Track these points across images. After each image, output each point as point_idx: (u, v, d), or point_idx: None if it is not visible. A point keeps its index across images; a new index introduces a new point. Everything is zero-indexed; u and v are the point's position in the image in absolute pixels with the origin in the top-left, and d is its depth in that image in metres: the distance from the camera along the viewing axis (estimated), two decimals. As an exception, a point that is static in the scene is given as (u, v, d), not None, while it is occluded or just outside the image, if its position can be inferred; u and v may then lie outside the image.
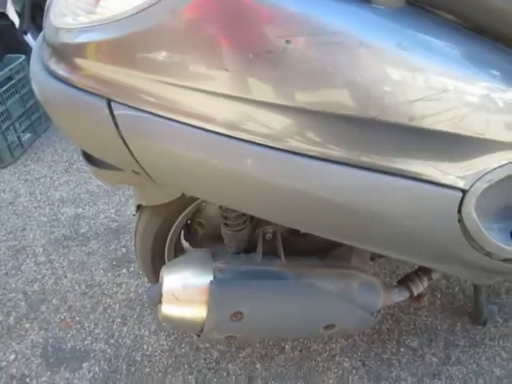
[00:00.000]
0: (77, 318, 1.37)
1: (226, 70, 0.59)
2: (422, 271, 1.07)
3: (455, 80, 0.62)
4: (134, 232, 1.05)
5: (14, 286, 1.51)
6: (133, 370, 1.22)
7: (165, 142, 0.65)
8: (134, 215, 1.05)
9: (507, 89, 0.64)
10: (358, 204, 0.69)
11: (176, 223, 1.00)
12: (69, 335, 1.33)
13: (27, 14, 2.30)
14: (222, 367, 1.21)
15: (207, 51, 0.61)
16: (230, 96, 0.61)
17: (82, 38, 0.66)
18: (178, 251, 1.12)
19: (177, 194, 0.86)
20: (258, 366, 1.21)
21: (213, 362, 1.23)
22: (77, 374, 1.22)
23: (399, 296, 1.05)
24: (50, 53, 0.72)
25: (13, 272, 1.56)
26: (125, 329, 1.33)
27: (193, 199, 0.93)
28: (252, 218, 0.98)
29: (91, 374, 1.22)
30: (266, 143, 0.64)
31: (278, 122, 0.63)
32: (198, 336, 0.93)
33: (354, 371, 1.19)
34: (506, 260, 0.81)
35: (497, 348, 1.23)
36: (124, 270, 1.53)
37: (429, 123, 0.63)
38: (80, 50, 0.67)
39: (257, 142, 0.64)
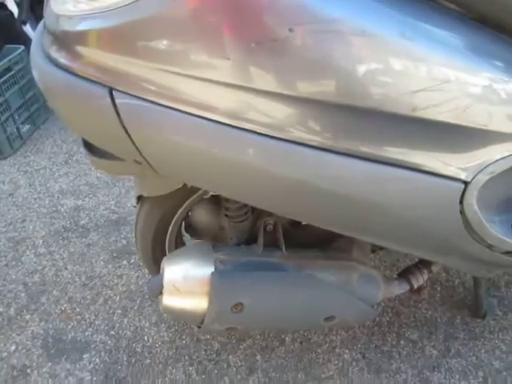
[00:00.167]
0: (77, 310, 1.38)
1: (228, 58, 0.59)
2: (422, 264, 1.07)
3: (458, 71, 0.62)
4: (134, 223, 1.05)
5: (14, 277, 1.51)
6: (133, 361, 1.23)
7: (167, 131, 0.65)
8: (135, 207, 1.05)
9: (510, 80, 0.64)
10: (359, 195, 0.69)
11: (177, 215, 1.00)
12: (69, 326, 1.33)
13: (26, 4, 2.27)
14: (223, 359, 1.22)
15: (209, 40, 0.60)
16: (232, 85, 0.61)
17: (82, 26, 0.65)
18: (179, 243, 1.11)
19: (178, 184, 0.86)
20: (259, 357, 1.22)
21: (213, 353, 1.23)
22: (78, 365, 1.22)
23: (399, 288, 1.05)
24: (50, 41, 0.71)
25: (13, 263, 1.56)
26: (125, 320, 1.34)
27: (194, 190, 0.93)
28: (253, 209, 0.98)
29: (92, 365, 1.22)
30: (267, 133, 0.64)
31: (279, 112, 0.63)
32: (199, 327, 0.94)
33: (354, 363, 1.19)
34: (506, 253, 0.81)
35: (496, 341, 1.23)
36: (124, 262, 1.53)
37: (431, 114, 0.63)
38: (81, 37, 0.66)
39: (258, 131, 0.63)
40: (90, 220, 1.74)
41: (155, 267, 1.10)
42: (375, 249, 1.12)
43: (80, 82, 0.65)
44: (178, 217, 1.01)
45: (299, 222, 1.06)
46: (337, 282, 0.93)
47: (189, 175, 0.74)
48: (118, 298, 1.40)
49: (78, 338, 1.29)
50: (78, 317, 1.36)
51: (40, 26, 0.81)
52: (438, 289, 1.39)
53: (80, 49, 0.66)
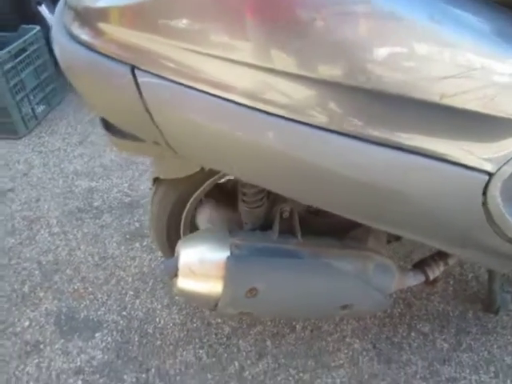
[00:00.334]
0: (90, 289, 1.39)
1: (252, 38, 0.57)
2: (439, 256, 1.06)
3: (487, 58, 0.60)
4: (149, 206, 1.05)
5: (28, 255, 1.52)
6: (144, 341, 1.24)
7: (188, 112, 0.64)
8: (151, 189, 1.05)
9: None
10: (380, 183, 0.68)
11: (192, 198, 1.00)
12: (82, 305, 1.34)
13: (42, -16, 2.27)
14: (233, 343, 1.22)
15: (233, 19, 0.59)
16: (256, 66, 0.59)
17: (105, 2, 0.64)
18: (193, 227, 1.11)
19: (196, 167, 0.85)
20: (269, 343, 1.22)
21: (224, 337, 1.24)
22: (90, 343, 1.24)
23: (414, 279, 1.04)
24: (72, 17, 0.70)
25: (27, 242, 1.58)
26: (137, 301, 1.35)
27: (211, 174, 0.92)
28: (269, 195, 0.97)
29: (104, 344, 1.24)
30: (289, 116, 0.62)
31: (302, 95, 0.62)
32: (212, 311, 0.94)
33: (364, 353, 1.19)
34: (526, 248, 0.80)
35: (509, 336, 1.22)
36: (137, 244, 1.54)
37: (458, 102, 0.61)
38: (103, 14, 0.65)
39: (280, 114, 0.62)
40: (104, 202, 1.74)
41: (169, 250, 1.10)
42: (390, 240, 1.11)
43: (102, 60, 0.64)
44: (193, 200, 1.00)
45: (315, 210, 1.05)
46: (352, 271, 0.92)
47: (208, 157, 0.74)
48: (130, 280, 1.41)
49: (91, 317, 1.31)
50: (91, 296, 1.37)
51: (61, 1, 0.80)
52: (451, 282, 1.37)
53: (102, 25, 0.65)
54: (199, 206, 1.04)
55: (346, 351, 1.20)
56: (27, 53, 2.16)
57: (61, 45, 0.72)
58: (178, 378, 1.15)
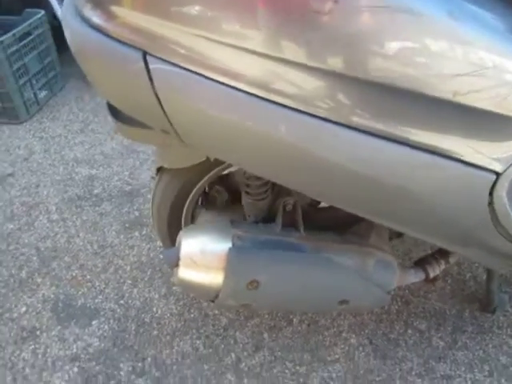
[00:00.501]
0: (88, 277, 1.39)
1: (264, 28, 0.57)
2: (440, 254, 1.06)
3: (502, 57, 0.60)
4: (151, 195, 1.05)
5: (26, 241, 1.52)
6: (141, 330, 1.24)
7: (198, 100, 0.64)
8: (153, 178, 1.04)
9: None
10: (387, 178, 0.68)
11: (195, 189, 0.99)
12: (79, 293, 1.34)
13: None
14: (230, 334, 1.22)
15: (246, 8, 0.58)
16: (267, 55, 0.59)
17: (118, -16, 0.63)
18: (195, 218, 1.11)
19: (201, 157, 0.84)
20: (266, 336, 1.22)
21: (221, 328, 1.24)
22: (86, 331, 1.24)
23: (415, 277, 1.04)
24: (84, -1, 0.69)
25: (26, 227, 1.57)
26: (135, 290, 1.34)
27: (215, 165, 0.92)
28: (273, 188, 0.97)
29: (100, 332, 1.24)
30: (299, 108, 0.62)
31: (312, 86, 0.61)
32: (212, 302, 0.94)
33: (360, 348, 1.20)
34: (529, 249, 0.80)
35: (504, 336, 1.22)
36: (136, 233, 1.54)
37: (471, 100, 0.61)
38: None
39: (290, 106, 0.62)
40: (104, 190, 1.74)
41: (169, 240, 1.10)
42: (392, 236, 1.11)
43: (113, 44, 0.63)
44: (196, 191, 1.00)
45: (318, 204, 1.05)
46: (353, 266, 0.92)
47: (215, 147, 0.73)
48: (128, 268, 1.41)
49: (88, 305, 1.31)
50: (89, 284, 1.37)
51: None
52: (449, 281, 1.38)
53: (115, 9, 0.64)
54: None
55: (342, 346, 1.20)
56: (31, 37, 2.14)
57: (72, 27, 0.71)
58: (174, 367, 1.15)
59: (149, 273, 1.40)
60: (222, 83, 0.61)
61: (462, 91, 0.60)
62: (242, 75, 0.61)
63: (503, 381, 1.12)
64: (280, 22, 0.57)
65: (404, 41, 0.57)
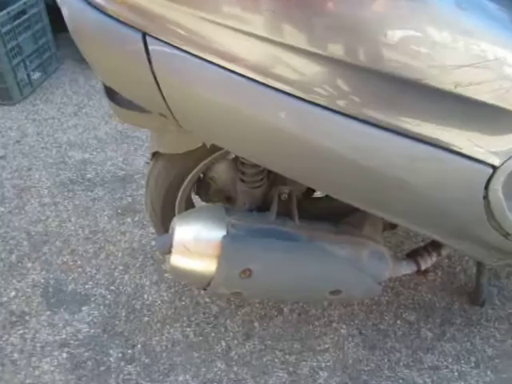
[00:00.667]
0: (79, 262, 1.38)
1: (270, 11, 0.56)
2: (432, 247, 1.06)
3: (505, 49, 0.60)
4: (145, 180, 1.03)
5: (17, 224, 1.50)
6: (132, 317, 1.23)
7: (198, 84, 0.63)
8: (148, 163, 1.03)
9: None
10: (385, 169, 0.68)
11: (190, 175, 0.98)
12: (70, 278, 1.33)
13: None
14: (221, 323, 1.22)
15: None
16: (271, 40, 0.58)
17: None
18: (189, 204, 1.10)
19: (197, 143, 0.84)
20: (256, 324, 1.23)
21: (211, 316, 1.24)
22: (76, 316, 1.23)
23: (407, 268, 1.05)
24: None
25: (16, 211, 1.55)
26: (126, 277, 1.34)
27: (211, 152, 0.91)
28: (269, 176, 0.97)
29: (90, 318, 1.23)
30: (299, 95, 0.62)
31: (314, 73, 0.61)
32: (204, 289, 0.93)
33: (350, 338, 1.20)
34: (521, 244, 0.80)
35: (492, 329, 1.24)
36: (129, 219, 1.53)
37: (473, 92, 0.61)
38: None
39: (290, 92, 0.61)
40: (97, 174, 1.72)
41: (162, 227, 1.09)
42: (385, 228, 1.11)
43: (112, 24, 0.62)
44: (191, 177, 0.99)
45: (313, 194, 1.05)
46: (346, 257, 0.92)
47: (213, 132, 0.72)
48: (120, 255, 1.40)
49: (78, 290, 1.30)
50: (79, 269, 1.36)
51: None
52: (439, 274, 1.39)
53: (114, -13, 0.62)
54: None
55: (332, 336, 1.21)
56: (26, 16, 2.10)
57: (69, 4, 0.69)
58: (164, 354, 1.15)
59: (140, 259, 1.39)
60: (222, 67, 0.60)
61: (464, 83, 0.60)
62: (242, 59, 0.60)
63: (489, 372, 1.14)
64: (282, 6, 0.56)
65: (407, 29, 0.57)
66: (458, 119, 0.65)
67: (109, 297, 1.28)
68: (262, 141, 0.68)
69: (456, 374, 1.13)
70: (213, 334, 1.20)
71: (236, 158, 0.94)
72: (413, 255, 1.07)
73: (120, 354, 1.15)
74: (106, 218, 1.53)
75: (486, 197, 0.72)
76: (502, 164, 0.68)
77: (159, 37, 0.61)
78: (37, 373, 1.10)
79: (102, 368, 1.12)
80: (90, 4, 0.64)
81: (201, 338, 1.19)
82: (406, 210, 0.77)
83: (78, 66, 2.43)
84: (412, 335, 1.22)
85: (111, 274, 1.34)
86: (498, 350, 1.19)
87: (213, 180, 1.04)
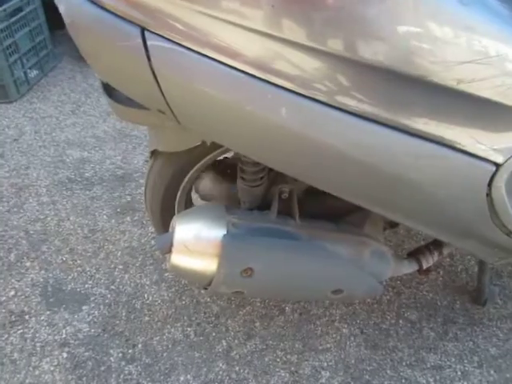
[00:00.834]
0: (78, 261, 1.37)
1: (272, 6, 0.55)
2: (434, 246, 1.06)
3: (507, 45, 0.58)
4: (145, 179, 1.02)
5: (15, 223, 1.49)
6: (132, 317, 1.22)
7: (197, 80, 0.61)
8: (147, 161, 1.02)
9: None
10: (387, 166, 0.67)
11: (190, 174, 0.97)
12: (69, 277, 1.32)
13: None
14: (222, 322, 1.22)
15: None
16: (271, 35, 0.57)
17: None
18: (188, 203, 1.09)
19: (196, 141, 0.82)
20: (258, 324, 1.22)
21: (212, 316, 1.23)
22: (76, 316, 1.22)
23: (408, 268, 1.04)
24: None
25: (15, 210, 1.54)
26: (126, 276, 1.33)
27: (210, 150, 0.90)
28: (269, 174, 0.96)
29: (90, 318, 1.22)
30: (300, 91, 0.60)
31: (315, 69, 0.59)
32: (205, 289, 0.92)
33: (352, 338, 1.20)
34: (524, 242, 0.80)
35: (494, 328, 1.23)
36: (128, 218, 1.52)
37: (475, 88, 0.60)
38: None
39: (291, 88, 0.60)
40: (95, 173, 1.71)
41: (163, 226, 1.08)
42: (386, 227, 1.10)
43: (110, 19, 0.61)
44: (190, 176, 0.98)
45: (314, 193, 1.04)
46: (348, 256, 0.91)
47: (212, 129, 0.71)
48: (119, 254, 1.39)
49: (78, 290, 1.29)
50: (79, 268, 1.35)
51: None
52: (441, 273, 1.38)
53: (112, -19, 0.61)
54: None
55: (333, 335, 1.20)
56: (23, 13, 2.09)
57: None
58: (164, 354, 1.14)
59: (140, 259, 1.38)
60: (222, 62, 0.59)
61: (466, 79, 0.59)
62: (242, 54, 0.59)
63: (492, 372, 1.13)
64: (282, 0, 0.55)
65: (409, 25, 0.55)
66: (461, 116, 0.64)
67: (109, 296, 1.27)
68: (261, 137, 0.67)
69: (459, 373, 1.13)
70: (214, 334, 1.19)
71: (236, 156, 0.93)
72: (414, 254, 1.06)
73: (120, 354, 1.14)
74: (105, 216, 1.52)
75: (489, 194, 0.71)
76: (506, 161, 0.67)
77: (158, 32, 0.59)
78: (37, 372, 1.09)
79: (102, 368, 1.11)
80: (87, -2, 0.63)
81: (202, 338, 1.18)
82: (408, 208, 0.76)
83: (76, 63, 2.42)
84: (414, 334, 1.21)
85: (111, 274, 1.33)
86: (501, 350, 1.18)
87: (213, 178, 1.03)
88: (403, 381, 1.11)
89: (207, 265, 0.85)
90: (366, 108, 0.62)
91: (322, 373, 1.12)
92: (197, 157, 0.93)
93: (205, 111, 0.66)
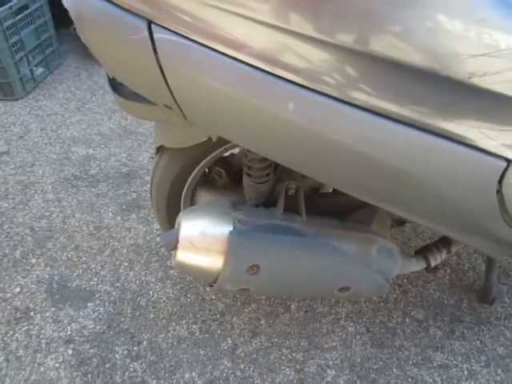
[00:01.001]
0: (83, 258, 1.37)
1: None
2: (442, 243, 1.05)
3: None
4: (151, 175, 1.02)
5: (21, 220, 1.49)
6: (137, 314, 1.22)
7: (204, 74, 0.61)
8: (153, 158, 1.01)
9: None
10: (397, 162, 0.66)
11: (196, 170, 0.97)
12: (75, 274, 1.32)
13: None
14: (227, 320, 1.21)
15: None
16: (279, 27, 0.56)
17: None
18: (194, 200, 1.08)
19: (203, 137, 0.82)
20: (263, 322, 1.21)
21: (217, 314, 1.22)
22: (81, 313, 1.22)
23: (416, 265, 1.03)
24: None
25: (20, 207, 1.54)
26: (131, 273, 1.33)
27: (216, 146, 0.89)
28: (276, 171, 0.95)
29: (95, 314, 1.22)
30: (309, 85, 0.59)
31: (324, 63, 0.59)
32: (211, 286, 0.92)
33: (357, 336, 1.19)
34: (533, 239, 0.78)
35: (502, 327, 1.22)
36: (133, 215, 1.51)
37: (487, 82, 0.59)
38: None
39: (300, 83, 0.59)
40: (101, 170, 1.71)
41: (168, 222, 1.08)
42: (393, 224, 1.09)
43: (116, 12, 0.60)
44: (196, 172, 0.97)
45: (320, 189, 1.03)
46: (355, 253, 0.90)
47: (219, 123, 0.70)
48: (125, 251, 1.39)
49: (83, 287, 1.29)
50: (84, 265, 1.35)
51: None
52: (448, 271, 1.37)
53: (118, -27, 0.60)
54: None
55: (339, 333, 1.19)
56: (28, 11, 2.09)
57: None
58: (169, 351, 1.14)
59: (145, 256, 1.38)
60: (229, 56, 0.58)
61: (479, 73, 0.57)
62: (250, 47, 0.58)
63: (500, 371, 1.12)
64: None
65: (420, 17, 0.54)
66: (472, 111, 0.63)
67: (114, 293, 1.27)
68: (268, 132, 0.66)
69: (466, 372, 1.12)
70: (219, 332, 1.19)
71: (242, 152, 0.93)
72: (422, 252, 1.05)
73: (125, 351, 1.14)
74: (110, 214, 1.52)
75: (499, 191, 0.69)
76: (517, 158, 0.66)
77: (165, 25, 0.59)
78: (42, 369, 1.09)
79: (107, 365, 1.11)
80: (92, -9, 0.63)
81: (207, 336, 1.17)
82: (416, 204, 0.75)
83: (81, 61, 2.42)
84: (421, 333, 1.20)
85: (116, 271, 1.33)
86: (509, 349, 1.17)
87: (218, 174, 1.03)
88: (409, 380, 1.10)
89: (213, 262, 0.84)
90: (374, 102, 0.61)
91: (328, 371, 1.11)
92: (203, 153, 0.93)
93: (211, 105, 0.65)
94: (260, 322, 1.21)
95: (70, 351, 1.13)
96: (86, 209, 1.54)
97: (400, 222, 1.11)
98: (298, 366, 1.12)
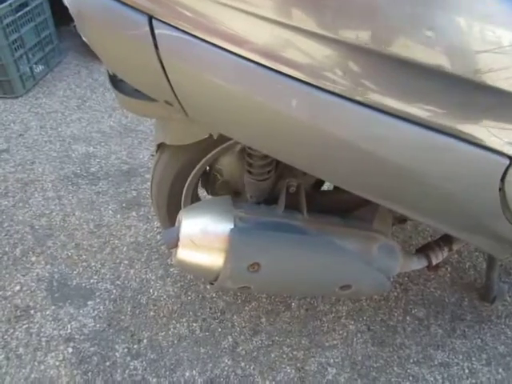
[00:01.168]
0: (83, 256, 1.36)
1: None
2: (443, 241, 1.04)
3: None
4: (151, 173, 1.02)
5: (21, 218, 1.49)
6: (137, 312, 1.22)
7: (205, 70, 0.60)
8: (153, 155, 1.01)
9: None
10: (400, 159, 0.65)
11: (197, 168, 0.96)
12: (75, 272, 1.32)
13: None
14: (227, 318, 1.21)
15: None
16: (281, 23, 0.56)
17: None
18: (195, 198, 1.08)
19: (204, 134, 0.81)
20: (263, 320, 1.21)
21: (218, 312, 1.22)
22: (81, 311, 1.22)
23: (418, 263, 1.03)
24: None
25: (20, 204, 1.54)
26: (131, 271, 1.32)
27: (217, 143, 0.88)
28: (277, 168, 0.95)
29: (96, 313, 1.22)
30: (312, 82, 0.59)
31: (328, 59, 0.58)
32: (211, 284, 0.91)
33: (358, 334, 1.19)
34: (536, 237, 0.78)
35: (503, 326, 1.22)
36: (133, 213, 1.51)
37: (492, 79, 0.58)
38: None
39: (302, 79, 0.59)
40: (101, 168, 1.70)
41: (169, 221, 1.08)
42: (394, 222, 1.09)
43: (117, 7, 0.60)
44: (197, 170, 0.97)
45: (321, 186, 1.03)
46: (356, 251, 0.90)
47: (220, 120, 0.70)
48: (125, 249, 1.39)
49: (83, 285, 1.28)
50: (84, 264, 1.34)
51: None
52: (449, 269, 1.37)
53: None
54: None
55: (340, 332, 1.19)
56: (28, 8, 2.09)
57: None
58: (170, 350, 1.14)
59: (146, 254, 1.37)
60: (231, 52, 0.58)
61: (484, 69, 0.57)
62: (252, 43, 0.57)
63: (500, 370, 1.12)
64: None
65: (424, 13, 0.54)
66: (476, 108, 0.62)
67: (114, 291, 1.27)
68: (270, 129, 0.66)
69: (467, 371, 1.11)
70: (219, 330, 1.18)
71: (243, 149, 0.92)
72: (424, 250, 1.04)
73: (126, 349, 1.13)
74: (110, 212, 1.52)
75: (501, 189, 0.69)
76: (520, 155, 0.65)
77: (166, 20, 0.58)
78: (42, 367, 1.09)
79: (107, 363, 1.10)
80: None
81: (207, 334, 1.17)
82: (418, 202, 0.74)
83: (81, 59, 2.42)
84: (422, 331, 1.20)
85: (116, 269, 1.33)
86: (510, 348, 1.17)
87: (219, 172, 1.02)
88: (410, 378, 1.09)
89: (214, 259, 0.84)
90: (378, 99, 0.60)
91: (329, 369, 1.11)
92: (204, 150, 0.92)
93: (213, 102, 0.65)
94: (261, 320, 1.21)
95: (70, 349, 1.13)
96: (86, 207, 1.53)
97: (401, 220, 1.11)
98: (298, 364, 1.11)
